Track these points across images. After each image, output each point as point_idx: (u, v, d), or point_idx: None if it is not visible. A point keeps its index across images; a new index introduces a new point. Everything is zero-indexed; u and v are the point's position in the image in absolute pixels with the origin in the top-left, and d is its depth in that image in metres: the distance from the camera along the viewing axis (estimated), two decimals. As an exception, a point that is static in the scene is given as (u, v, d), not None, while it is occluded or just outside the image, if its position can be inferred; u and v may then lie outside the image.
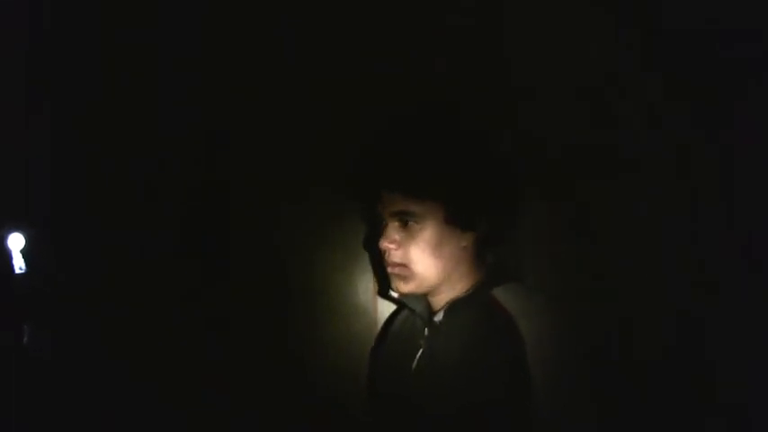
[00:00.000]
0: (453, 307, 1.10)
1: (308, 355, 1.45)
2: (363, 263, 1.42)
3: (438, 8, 1.39)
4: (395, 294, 1.15)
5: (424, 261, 1.07)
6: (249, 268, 1.45)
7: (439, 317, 1.11)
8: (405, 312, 1.22)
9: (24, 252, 1.37)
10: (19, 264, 1.37)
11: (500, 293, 1.08)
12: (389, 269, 1.10)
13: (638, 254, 1.32)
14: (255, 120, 1.45)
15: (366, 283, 1.43)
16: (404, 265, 1.08)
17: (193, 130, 1.45)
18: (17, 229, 1.38)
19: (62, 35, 1.43)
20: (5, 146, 1.41)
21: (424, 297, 1.13)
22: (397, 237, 1.08)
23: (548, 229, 1.33)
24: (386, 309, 1.38)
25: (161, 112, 1.44)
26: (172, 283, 1.43)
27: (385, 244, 1.09)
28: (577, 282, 1.33)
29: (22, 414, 1.33)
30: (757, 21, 1.28)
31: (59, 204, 1.44)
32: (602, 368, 1.26)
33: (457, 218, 1.07)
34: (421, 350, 1.11)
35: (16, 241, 1.37)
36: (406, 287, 1.09)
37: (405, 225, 1.08)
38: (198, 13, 1.43)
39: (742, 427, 1.27)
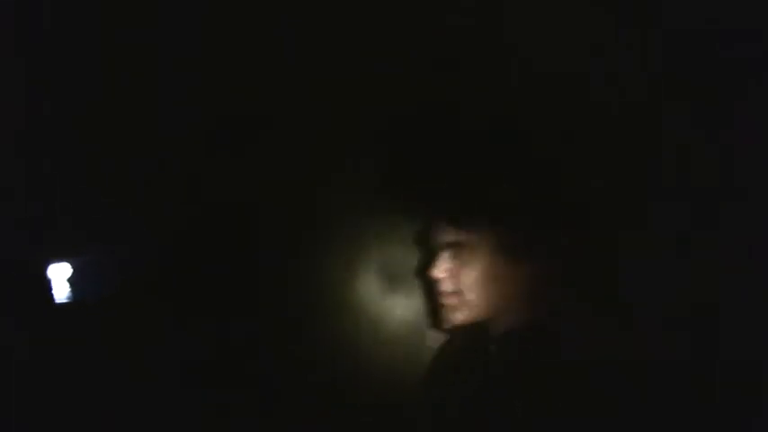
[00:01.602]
0: (507, 339, 1.08)
1: (309, 355, 1.45)
2: (367, 262, 1.42)
3: (438, 8, 1.40)
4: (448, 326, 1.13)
5: (476, 290, 1.06)
6: (250, 268, 1.45)
7: (493, 348, 1.10)
8: (457, 342, 1.20)
9: (72, 281, 1.35)
10: (65, 293, 1.35)
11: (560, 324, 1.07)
12: (442, 299, 1.09)
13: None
14: (257, 119, 1.45)
15: (368, 283, 1.43)
16: (456, 295, 1.07)
17: (193, 129, 1.45)
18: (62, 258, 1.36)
19: (62, 35, 1.43)
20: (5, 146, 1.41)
21: (478, 328, 1.10)
22: (449, 266, 1.07)
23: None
24: (387, 308, 1.38)
25: (161, 111, 1.44)
26: (170, 283, 1.43)
27: (437, 273, 1.08)
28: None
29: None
30: (757, 21, 1.28)
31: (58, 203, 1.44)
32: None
33: (510, 247, 1.05)
34: (474, 380, 1.10)
35: (62, 270, 1.35)
36: (458, 316, 1.08)
37: (457, 254, 1.06)
38: (198, 13, 1.43)
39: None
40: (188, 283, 1.42)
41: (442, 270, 1.07)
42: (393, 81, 1.39)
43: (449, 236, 1.06)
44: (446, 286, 1.08)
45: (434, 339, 1.24)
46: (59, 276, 1.35)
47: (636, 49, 1.35)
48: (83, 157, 1.45)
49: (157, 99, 1.44)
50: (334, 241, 1.42)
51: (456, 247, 1.05)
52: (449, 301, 1.08)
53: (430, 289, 1.12)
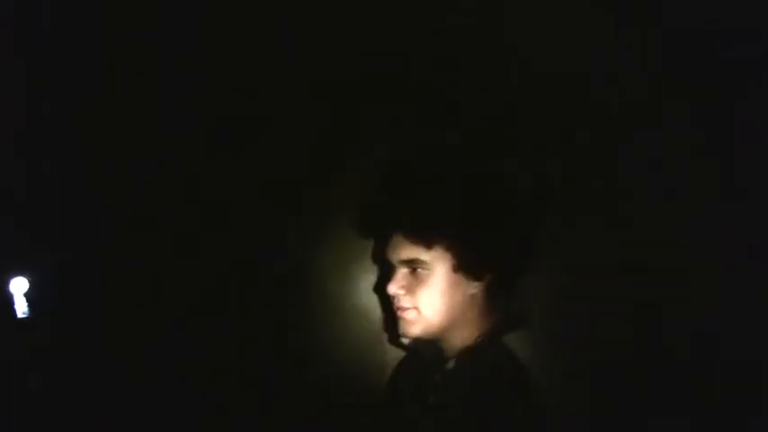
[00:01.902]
0: (464, 356, 1.10)
1: (307, 355, 1.45)
2: (364, 262, 1.42)
3: (438, 8, 1.40)
4: (405, 340, 1.15)
5: (433, 307, 1.08)
6: (248, 268, 1.45)
7: (450, 364, 1.12)
8: (415, 357, 1.22)
9: (28, 297, 1.34)
10: (22, 309, 1.35)
11: (511, 340, 1.10)
12: (398, 313, 1.11)
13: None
14: (256, 119, 1.45)
15: (367, 284, 1.43)
16: (412, 310, 1.09)
17: (193, 130, 1.45)
18: (20, 273, 1.35)
19: (62, 35, 1.43)
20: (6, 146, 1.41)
21: (435, 343, 1.13)
22: (405, 282, 1.10)
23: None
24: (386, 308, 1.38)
25: (161, 111, 1.44)
26: (170, 283, 1.43)
27: (394, 290, 1.10)
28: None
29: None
30: (757, 21, 1.28)
31: (59, 206, 1.44)
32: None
33: (465, 267, 1.07)
34: (432, 396, 1.12)
35: (19, 285, 1.35)
36: (414, 331, 1.10)
37: (414, 271, 1.09)
38: (198, 13, 1.43)
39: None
40: (179, 283, 1.42)
41: (398, 286, 1.10)
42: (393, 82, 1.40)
43: (406, 253, 1.08)
44: (403, 302, 1.10)
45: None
46: (17, 291, 1.34)
47: (636, 49, 1.35)
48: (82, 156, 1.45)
49: (157, 99, 1.44)
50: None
51: (413, 264, 1.08)
52: (405, 315, 1.10)
53: (388, 303, 1.14)
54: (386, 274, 1.14)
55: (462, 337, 1.11)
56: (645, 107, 1.36)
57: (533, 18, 1.37)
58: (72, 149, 1.44)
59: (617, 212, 1.38)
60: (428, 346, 1.14)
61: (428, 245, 1.07)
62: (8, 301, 1.34)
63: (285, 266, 1.44)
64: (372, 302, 1.43)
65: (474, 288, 1.09)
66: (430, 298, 1.08)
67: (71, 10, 1.42)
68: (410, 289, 1.09)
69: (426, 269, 1.08)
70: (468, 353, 1.10)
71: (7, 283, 1.34)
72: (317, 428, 1.41)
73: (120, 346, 1.40)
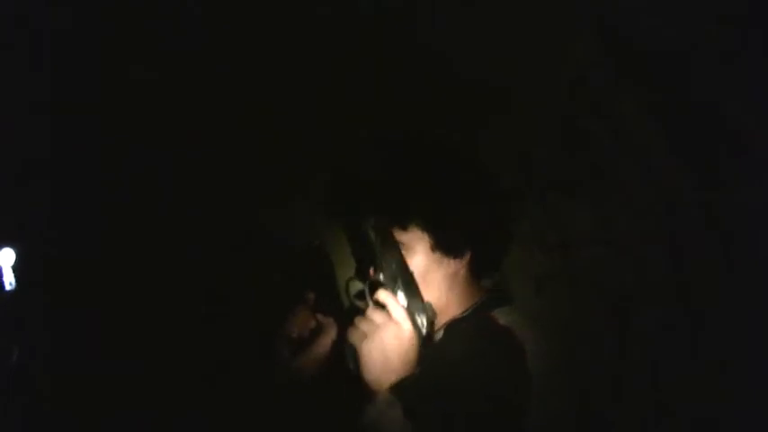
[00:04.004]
0: (451, 326, 1.11)
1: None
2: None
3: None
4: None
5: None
6: (243, 267, 1.46)
7: (439, 335, 1.11)
8: None
9: (15, 268, 1.33)
10: (9, 280, 1.33)
11: (499, 316, 1.09)
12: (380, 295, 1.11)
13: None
14: (250, 121, 1.45)
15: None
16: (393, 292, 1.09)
17: (192, 131, 1.45)
18: (7, 243, 1.34)
19: (62, 35, 1.43)
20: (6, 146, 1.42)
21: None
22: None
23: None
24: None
25: (159, 113, 1.45)
26: (170, 283, 1.44)
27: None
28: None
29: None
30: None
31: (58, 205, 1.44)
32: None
33: (442, 246, 1.07)
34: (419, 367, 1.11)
35: (6, 256, 1.33)
36: None
37: None
38: (198, 14, 1.43)
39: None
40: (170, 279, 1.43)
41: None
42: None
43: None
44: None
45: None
46: (4, 263, 1.32)
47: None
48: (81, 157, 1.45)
49: (157, 100, 1.44)
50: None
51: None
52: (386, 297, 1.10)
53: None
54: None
55: (448, 315, 1.11)
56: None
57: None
58: (71, 149, 1.45)
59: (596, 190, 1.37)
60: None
61: (403, 226, 1.07)
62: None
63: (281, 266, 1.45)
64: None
65: (455, 266, 1.10)
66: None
67: (71, 10, 1.42)
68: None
69: (406, 250, 1.08)
70: (454, 323, 1.10)
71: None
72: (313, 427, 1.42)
73: (118, 346, 1.41)
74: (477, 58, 1.41)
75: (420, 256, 1.09)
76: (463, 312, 1.11)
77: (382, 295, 1.04)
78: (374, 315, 1.02)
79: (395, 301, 1.03)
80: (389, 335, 1.00)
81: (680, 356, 1.31)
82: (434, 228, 1.08)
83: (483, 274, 1.14)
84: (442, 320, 1.11)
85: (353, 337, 1.03)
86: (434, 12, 1.41)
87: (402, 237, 1.08)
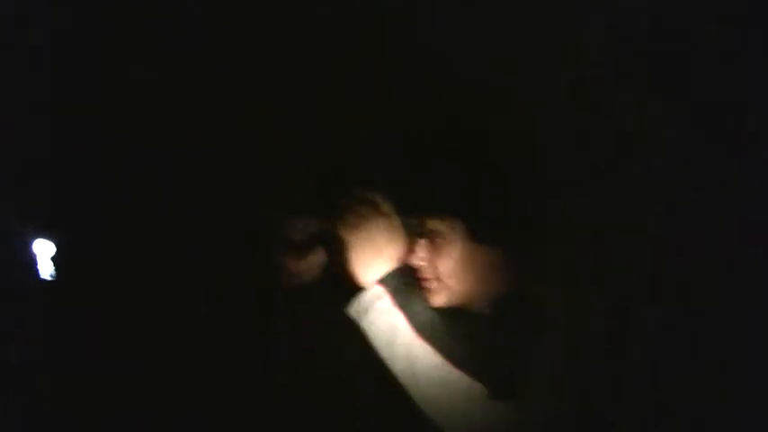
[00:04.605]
0: (497, 302, 1.11)
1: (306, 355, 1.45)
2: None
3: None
4: None
5: (454, 275, 1.09)
6: (243, 267, 1.45)
7: (482, 308, 1.13)
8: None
9: (54, 259, 1.34)
10: (48, 271, 1.34)
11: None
12: (423, 284, 1.11)
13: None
14: (250, 121, 1.45)
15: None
16: (433, 280, 1.10)
17: (192, 131, 1.45)
18: (44, 235, 1.34)
19: (62, 35, 1.43)
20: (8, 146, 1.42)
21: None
22: (425, 254, 1.10)
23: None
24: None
25: (159, 113, 1.45)
26: (169, 283, 1.44)
27: (415, 261, 1.11)
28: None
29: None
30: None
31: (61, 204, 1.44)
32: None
33: (479, 234, 1.07)
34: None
35: (43, 247, 1.34)
36: (438, 300, 1.11)
37: (432, 242, 1.09)
38: (198, 14, 1.44)
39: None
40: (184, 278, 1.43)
41: (419, 258, 1.10)
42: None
43: (423, 225, 1.08)
44: (425, 273, 1.10)
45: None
46: (43, 254, 1.33)
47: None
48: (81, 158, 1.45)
49: (156, 101, 1.44)
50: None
51: (431, 235, 1.08)
52: (429, 285, 1.10)
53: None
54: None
55: (485, 300, 1.12)
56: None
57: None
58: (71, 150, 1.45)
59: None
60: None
61: (441, 215, 1.07)
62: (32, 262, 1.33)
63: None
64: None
65: (492, 254, 1.10)
66: (451, 267, 1.09)
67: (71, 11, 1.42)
68: (431, 260, 1.09)
69: (443, 239, 1.08)
70: (503, 299, 1.10)
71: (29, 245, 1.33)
72: (314, 426, 1.42)
73: (117, 346, 1.41)
74: (477, 58, 1.41)
75: (458, 245, 1.09)
76: (491, 301, 1.12)
77: (372, 192, 1.04)
78: (362, 207, 1.03)
79: (383, 197, 1.03)
80: (377, 226, 1.01)
81: (680, 356, 1.30)
82: (471, 216, 1.08)
83: (518, 263, 1.14)
84: (479, 304, 1.12)
85: (341, 228, 1.03)
86: (434, 12, 1.41)
87: (440, 226, 1.08)
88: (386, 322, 1.02)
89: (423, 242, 1.11)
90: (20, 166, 1.42)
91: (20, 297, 1.36)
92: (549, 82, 1.38)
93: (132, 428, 1.40)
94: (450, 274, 1.09)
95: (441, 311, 1.14)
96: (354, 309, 1.04)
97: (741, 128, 1.32)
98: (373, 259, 1.04)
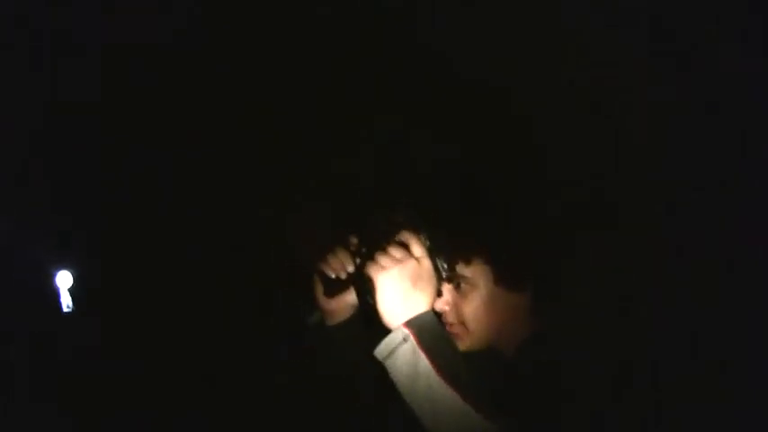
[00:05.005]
0: (525, 345, 1.10)
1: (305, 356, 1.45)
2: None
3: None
4: None
5: (478, 320, 1.09)
6: (245, 270, 1.46)
7: (508, 353, 1.12)
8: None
9: (72, 291, 1.35)
10: (66, 302, 1.35)
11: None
12: (447, 328, 1.11)
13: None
14: (250, 121, 1.45)
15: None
16: (458, 325, 1.10)
17: (192, 131, 1.45)
18: (64, 267, 1.36)
19: (62, 35, 1.43)
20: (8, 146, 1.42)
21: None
22: (450, 298, 1.10)
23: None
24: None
25: (159, 113, 1.44)
26: (169, 285, 1.44)
27: (440, 306, 1.11)
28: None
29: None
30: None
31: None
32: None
33: (506, 279, 1.09)
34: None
35: (64, 279, 1.35)
36: (463, 344, 1.11)
37: (457, 286, 1.10)
38: (198, 14, 1.43)
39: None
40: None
41: (444, 302, 1.10)
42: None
43: (452, 268, 1.09)
44: (449, 318, 1.11)
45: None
46: (63, 285, 1.34)
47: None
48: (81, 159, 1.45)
49: (157, 101, 1.44)
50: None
51: (456, 280, 1.09)
52: (453, 330, 1.11)
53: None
54: None
55: (509, 343, 1.11)
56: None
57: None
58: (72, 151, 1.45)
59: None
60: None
61: (467, 260, 1.08)
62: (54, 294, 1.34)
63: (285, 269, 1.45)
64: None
65: (518, 298, 1.10)
66: (475, 312, 1.09)
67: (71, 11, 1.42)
68: (455, 305, 1.11)
69: (469, 284, 1.09)
70: (529, 341, 1.09)
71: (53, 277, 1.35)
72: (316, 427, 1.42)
73: (117, 347, 1.41)
74: (477, 58, 1.41)
75: (484, 290, 1.09)
76: (514, 344, 1.10)
77: (405, 235, 1.04)
78: (395, 251, 1.03)
79: (417, 240, 1.03)
80: (408, 269, 1.01)
81: (680, 356, 1.30)
82: (498, 261, 1.07)
83: (545, 305, 1.14)
84: (503, 348, 1.12)
85: (372, 269, 1.03)
86: (434, 12, 1.41)
87: (465, 271, 1.09)
88: (409, 365, 1.02)
89: (448, 287, 1.11)
90: (19, 166, 1.42)
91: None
92: (550, 82, 1.38)
93: (132, 428, 1.40)
94: (474, 318, 1.08)
95: (465, 354, 1.13)
96: (380, 350, 1.04)
97: (741, 128, 1.32)
98: (402, 302, 1.04)
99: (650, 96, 1.36)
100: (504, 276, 1.09)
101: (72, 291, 1.35)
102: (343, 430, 1.39)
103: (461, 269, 1.09)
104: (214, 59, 1.44)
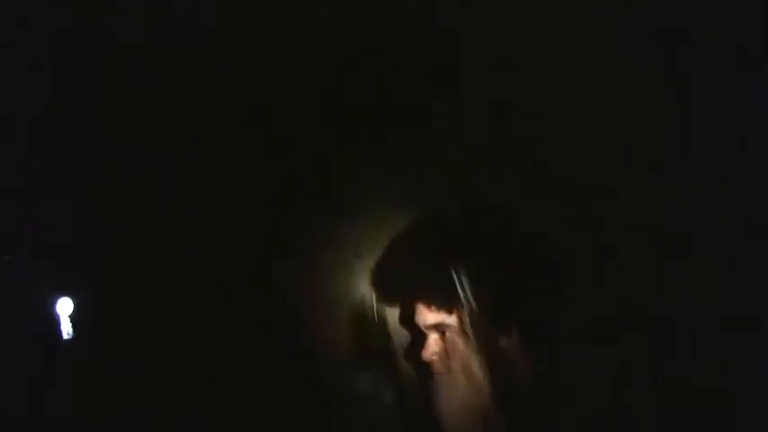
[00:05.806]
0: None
1: (307, 356, 1.45)
2: (365, 262, 1.41)
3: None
4: None
5: (466, 369, 1.08)
6: (246, 269, 1.45)
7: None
8: None
9: (72, 317, 1.34)
10: (67, 329, 1.35)
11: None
12: (437, 377, 1.11)
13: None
14: (250, 121, 1.45)
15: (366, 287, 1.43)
16: (447, 373, 1.10)
17: (192, 131, 1.45)
18: (65, 293, 1.35)
19: (62, 35, 1.43)
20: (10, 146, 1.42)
21: None
22: (437, 348, 1.10)
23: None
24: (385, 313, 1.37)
25: (159, 113, 1.44)
26: (169, 285, 1.44)
27: (427, 356, 1.10)
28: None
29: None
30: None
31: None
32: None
33: (491, 325, 1.07)
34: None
35: (64, 306, 1.34)
36: (454, 394, 1.11)
37: (443, 335, 1.09)
38: (198, 14, 1.43)
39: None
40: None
41: (431, 352, 1.10)
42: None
43: (432, 318, 1.08)
44: (438, 367, 1.10)
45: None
46: (63, 312, 1.34)
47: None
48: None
49: (157, 102, 1.44)
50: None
51: (441, 329, 1.08)
52: (443, 380, 1.11)
53: (421, 369, 1.14)
54: (416, 338, 1.14)
55: (499, 390, 1.11)
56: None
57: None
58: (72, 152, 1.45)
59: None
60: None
61: (449, 309, 1.07)
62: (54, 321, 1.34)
63: (287, 267, 1.44)
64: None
65: (505, 341, 1.10)
66: (464, 360, 1.10)
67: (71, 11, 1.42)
68: (443, 354, 1.10)
69: (454, 332, 1.08)
70: (516, 387, 1.11)
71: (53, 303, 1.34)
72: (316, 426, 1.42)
73: (118, 347, 1.41)
74: (476, 58, 1.41)
75: (470, 337, 1.09)
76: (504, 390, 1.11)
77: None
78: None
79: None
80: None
81: (680, 356, 1.30)
82: (482, 309, 1.08)
83: (532, 344, 1.13)
84: (489, 396, 1.11)
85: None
86: (434, 12, 1.41)
87: (449, 320, 1.08)
88: None
89: (434, 336, 1.10)
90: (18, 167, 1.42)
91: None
92: (550, 84, 1.38)
93: (132, 428, 1.40)
94: (461, 367, 1.09)
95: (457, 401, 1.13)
96: None
97: (741, 128, 1.32)
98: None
99: (650, 96, 1.36)
100: (489, 321, 1.07)
101: (72, 317, 1.35)
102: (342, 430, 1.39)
103: (445, 318, 1.09)
104: (214, 59, 1.44)
